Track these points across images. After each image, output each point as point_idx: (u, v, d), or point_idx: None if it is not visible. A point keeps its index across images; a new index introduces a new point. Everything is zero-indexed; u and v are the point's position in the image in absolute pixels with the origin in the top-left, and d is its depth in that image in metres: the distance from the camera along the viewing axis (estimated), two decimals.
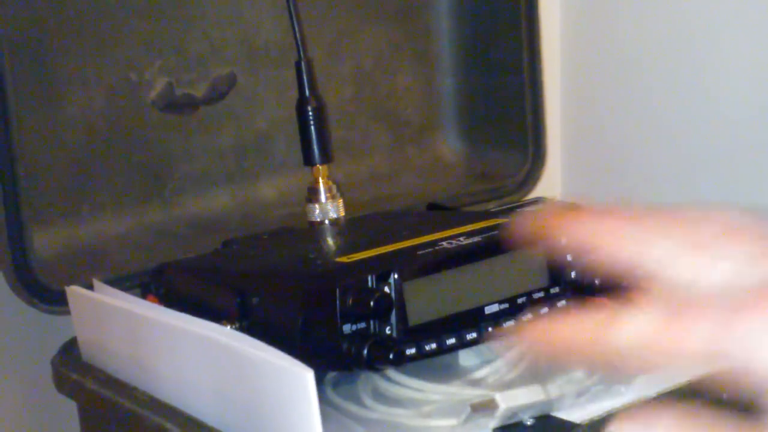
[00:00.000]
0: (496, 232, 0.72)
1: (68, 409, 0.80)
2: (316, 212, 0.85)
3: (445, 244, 0.69)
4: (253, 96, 0.96)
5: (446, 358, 0.67)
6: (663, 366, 0.38)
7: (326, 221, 0.84)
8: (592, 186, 0.91)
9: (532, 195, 1.03)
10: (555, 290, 0.71)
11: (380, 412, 0.65)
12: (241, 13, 0.94)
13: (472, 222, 0.74)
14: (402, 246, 0.70)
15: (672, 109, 1.07)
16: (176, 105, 0.92)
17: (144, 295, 0.78)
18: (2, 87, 0.78)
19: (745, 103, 1.01)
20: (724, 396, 0.65)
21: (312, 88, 0.86)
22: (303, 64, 0.86)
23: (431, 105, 1.09)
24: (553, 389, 0.65)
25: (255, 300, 0.68)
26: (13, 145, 0.79)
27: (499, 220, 0.75)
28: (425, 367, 0.66)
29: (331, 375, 0.68)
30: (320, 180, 0.85)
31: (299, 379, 0.56)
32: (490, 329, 0.67)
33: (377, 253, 0.69)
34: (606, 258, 0.42)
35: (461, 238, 0.70)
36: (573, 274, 0.72)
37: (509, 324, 0.68)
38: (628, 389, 0.66)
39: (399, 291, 0.64)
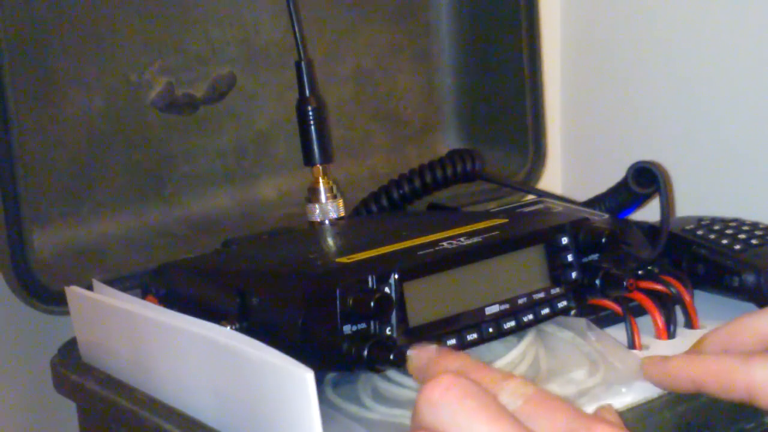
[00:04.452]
0: (496, 232, 0.72)
1: (67, 409, 0.80)
2: (317, 212, 0.85)
3: (445, 244, 0.69)
4: (253, 96, 0.96)
5: None
6: None
7: (326, 221, 0.84)
8: (593, 186, 0.90)
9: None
10: (556, 291, 0.71)
11: (380, 412, 0.65)
12: (241, 13, 0.94)
13: (472, 222, 0.74)
14: (402, 246, 0.70)
15: (672, 108, 1.07)
16: (176, 105, 0.92)
17: (144, 296, 0.78)
18: (2, 87, 0.78)
19: (746, 102, 1.01)
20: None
21: (312, 88, 0.86)
22: (303, 64, 0.86)
23: (431, 105, 1.09)
24: (554, 390, 0.65)
25: (255, 300, 0.68)
26: (13, 145, 0.79)
27: (500, 220, 0.75)
28: None
29: (331, 375, 0.68)
30: (320, 180, 0.85)
31: (299, 379, 0.56)
32: (490, 330, 0.67)
33: (377, 253, 0.69)
34: None
35: (462, 239, 0.70)
36: (574, 275, 0.72)
37: (510, 325, 0.68)
38: (629, 390, 0.66)
39: (399, 291, 0.64)
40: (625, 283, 0.72)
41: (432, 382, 0.52)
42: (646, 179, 0.85)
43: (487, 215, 0.79)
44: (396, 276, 0.64)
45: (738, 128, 1.02)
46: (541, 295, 0.70)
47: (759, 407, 0.59)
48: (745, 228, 0.83)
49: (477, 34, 1.07)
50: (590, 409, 0.63)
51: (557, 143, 1.16)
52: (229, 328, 0.66)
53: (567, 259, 0.72)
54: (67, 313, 0.78)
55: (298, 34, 0.85)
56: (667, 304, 0.76)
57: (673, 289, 0.76)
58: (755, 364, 0.59)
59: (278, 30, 0.96)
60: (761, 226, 0.83)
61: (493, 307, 0.68)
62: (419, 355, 0.60)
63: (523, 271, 0.70)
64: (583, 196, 0.91)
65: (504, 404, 0.52)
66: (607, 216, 0.86)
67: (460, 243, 0.69)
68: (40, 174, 0.85)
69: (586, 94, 1.15)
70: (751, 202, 1.01)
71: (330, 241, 0.81)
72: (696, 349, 0.67)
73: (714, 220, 0.85)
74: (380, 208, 0.91)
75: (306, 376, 0.56)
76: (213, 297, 0.72)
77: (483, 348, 0.69)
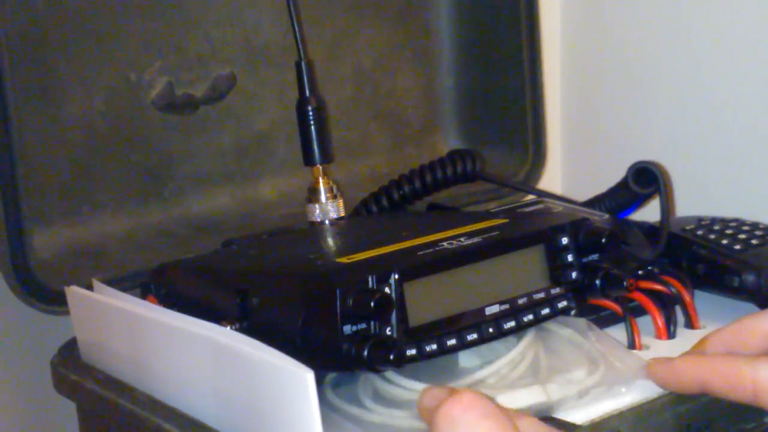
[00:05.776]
0: (496, 232, 0.72)
1: (67, 409, 0.80)
2: (317, 212, 0.85)
3: (445, 244, 0.69)
4: (253, 96, 0.96)
5: (446, 359, 0.67)
6: None
7: (326, 221, 0.84)
8: (593, 186, 0.90)
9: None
10: (556, 291, 0.71)
11: (380, 413, 0.64)
12: (241, 13, 0.94)
13: (472, 222, 0.74)
14: (402, 246, 0.70)
15: (672, 109, 1.07)
16: (176, 105, 0.92)
17: (143, 296, 0.78)
18: (2, 87, 0.78)
19: (746, 102, 1.01)
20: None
21: (312, 88, 0.86)
22: (303, 64, 0.86)
23: (431, 105, 1.09)
24: (554, 390, 0.65)
25: (255, 300, 0.68)
26: (13, 145, 0.79)
27: (500, 221, 0.75)
28: (425, 368, 0.66)
29: (331, 376, 0.68)
30: (320, 180, 0.85)
31: (299, 380, 0.56)
32: (490, 330, 0.67)
33: (377, 253, 0.69)
34: None
35: (462, 239, 0.70)
36: (574, 275, 0.72)
37: (510, 325, 0.68)
38: (629, 390, 0.66)
39: (399, 291, 0.64)
40: (625, 283, 0.72)
41: (452, 399, 0.52)
42: (646, 179, 0.85)
43: (487, 215, 0.79)
44: (396, 276, 0.64)
45: (738, 128, 1.02)
46: (541, 295, 0.70)
47: (764, 408, 0.60)
48: (745, 228, 0.83)
49: (477, 34, 1.07)
50: (590, 409, 0.64)
51: (557, 143, 1.16)
52: (229, 328, 0.66)
53: (567, 259, 0.72)
54: (67, 313, 0.78)
55: (298, 34, 0.85)
56: (667, 304, 0.76)
57: (673, 289, 0.76)
58: (761, 364, 0.59)
59: (278, 30, 0.96)
60: (761, 226, 0.83)
61: (493, 307, 0.68)
62: (430, 395, 0.59)
63: (523, 271, 0.70)
64: (583, 196, 0.91)
65: None
66: (607, 216, 0.86)
67: (460, 243, 0.69)
68: (40, 174, 0.85)
69: (586, 94, 1.15)
70: (751, 202, 1.01)
71: (330, 241, 0.81)
72: (698, 349, 0.67)
73: (714, 220, 0.85)
74: (380, 209, 0.91)
75: (306, 376, 0.56)
76: (213, 297, 0.72)
77: (483, 348, 0.69)
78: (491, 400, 0.53)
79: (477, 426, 0.51)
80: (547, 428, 0.54)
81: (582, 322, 0.72)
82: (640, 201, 0.87)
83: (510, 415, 0.54)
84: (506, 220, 0.75)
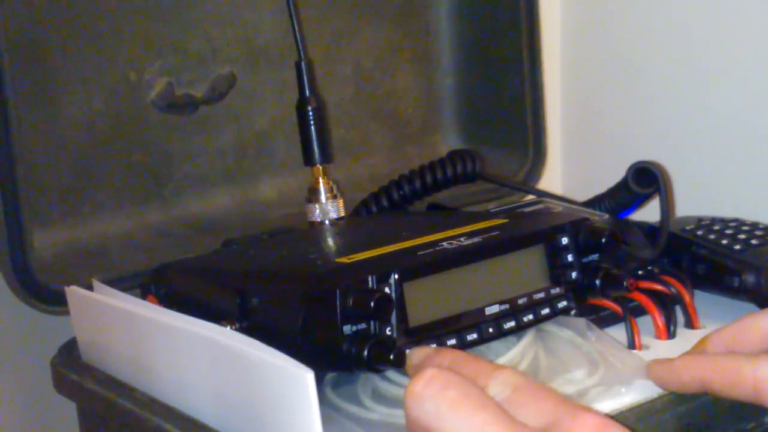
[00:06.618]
0: (496, 232, 0.72)
1: (67, 409, 0.80)
2: (317, 212, 0.85)
3: (445, 244, 0.69)
4: (253, 96, 0.96)
5: None
6: None
7: (326, 221, 0.84)
8: (593, 186, 0.91)
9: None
10: (556, 291, 0.71)
11: (380, 413, 0.65)
12: (241, 13, 0.94)
13: (472, 222, 0.74)
14: (402, 246, 0.70)
15: (672, 108, 1.07)
16: (176, 105, 0.92)
17: (144, 296, 0.78)
18: (2, 87, 0.78)
19: (746, 102, 1.01)
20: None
21: (312, 88, 0.86)
22: (303, 64, 0.86)
23: (431, 105, 1.09)
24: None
25: (255, 300, 0.68)
26: (13, 145, 0.79)
27: (500, 221, 0.75)
28: None
29: (331, 375, 0.68)
30: (320, 180, 0.85)
31: (299, 379, 0.56)
32: (490, 330, 0.67)
33: (377, 253, 0.69)
34: None
35: (462, 239, 0.70)
36: (574, 275, 0.72)
37: (510, 325, 0.68)
38: (629, 390, 0.66)
39: (399, 291, 0.64)
40: (625, 283, 0.72)
41: (416, 377, 0.53)
42: (646, 179, 0.85)
43: (487, 215, 0.79)
44: (396, 276, 0.64)
45: (738, 128, 1.02)
46: (541, 295, 0.70)
47: (765, 405, 0.60)
48: (745, 228, 0.83)
49: (477, 34, 1.07)
50: None
51: (557, 143, 1.16)
52: (229, 328, 0.66)
53: (567, 259, 0.72)
54: (67, 313, 0.78)
55: (298, 34, 0.85)
56: (667, 304, 0.76)
57: (673, 289, 0.76)
58: (762, 362, 0.60)
59: (278, 30, 0.96)
60: (761, 226, 0.83)
61: (493, 307, 0.68)
62: (416, 354, 0.60)
63: (523, 271, 0.70)
64: (583, 196, 0.91)
65: (492, 395, 0.53)
66: (607, 216, 0.86)
67: (460, 243, 0.69)
68: (40, 174, 0.85)
69: (586, 94, 1.15)
70: (751, 202, 1.01)
71: (330, 241, 0.81)
72: (698, 348, 0.67)
73: (714, 220, 0.85)
74: (380, 209, 0.91)
75: (306, 376, 0.56)
76: (213, 297, 0.72)
77: (483, 348, 0.69)
78: (455, 372, 0.54)
79: (440, 397, 0.52)
80: (524, 379, 0.54)
81: (582, 322, 0.72)
82: (640, 201, 0.87)
83: (486, 370, 0.55)
84: (506, 220, 0.75)
